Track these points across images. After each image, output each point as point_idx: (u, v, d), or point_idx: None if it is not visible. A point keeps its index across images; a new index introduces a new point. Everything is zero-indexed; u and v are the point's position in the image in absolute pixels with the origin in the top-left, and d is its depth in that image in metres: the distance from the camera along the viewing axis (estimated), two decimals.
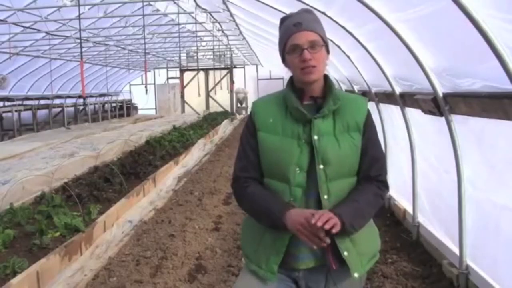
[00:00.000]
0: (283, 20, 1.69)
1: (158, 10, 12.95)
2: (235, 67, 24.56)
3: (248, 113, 1.81)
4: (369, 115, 1.70)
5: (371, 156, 1.69)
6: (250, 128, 1.74)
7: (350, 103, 1.70)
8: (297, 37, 1.60)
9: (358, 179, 1.70)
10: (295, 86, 1.69)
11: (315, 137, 1.62)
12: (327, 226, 1.48)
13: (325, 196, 1.62)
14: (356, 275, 1.63)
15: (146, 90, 11.29)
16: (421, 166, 4.22)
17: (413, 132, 4.28)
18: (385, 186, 1.72)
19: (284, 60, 1.69)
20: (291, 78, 1.71)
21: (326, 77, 1.70)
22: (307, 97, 1.68)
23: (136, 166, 7.86)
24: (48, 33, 11.96)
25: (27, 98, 16.22)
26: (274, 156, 1.66)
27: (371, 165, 1.69)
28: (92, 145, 10.74)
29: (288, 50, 1.63)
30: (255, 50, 18.31)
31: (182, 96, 24.25)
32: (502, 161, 2.81)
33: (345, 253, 1.62)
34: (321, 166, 1.61)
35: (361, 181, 1.69)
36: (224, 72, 24.24)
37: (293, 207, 1.60)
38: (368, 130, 1.68)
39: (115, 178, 6.75)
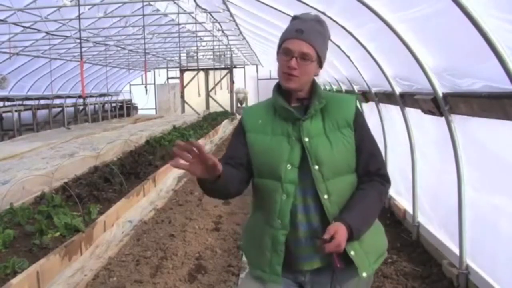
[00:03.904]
0: (292, 19, 1.69)
1: (158, 10, 12.95)
2: (235, 67, 24.56)
3: None
4: (358, 112, 1.70)
5: (367, 152, 1.68)
6: (239, 130, 1.76)
7: (337, 102, 1.70)
8: (292, 43, 1.61)
9: (358, 175, 1.69)
10: (283, 90, 1.70)
11: (306, 139, 1.63)
12: (331, 250, 1.51)
13: (325, 196, 1.61)
14: (364, 274, 1.62)
15: (146, 90, 11.30)
16: (421, 166, 4.22)
17: (413, 132, 4.28)
18: (386, 180, 1.72)
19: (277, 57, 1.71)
20: (277, 83, 1.72)
21: (312, 81, 1.71)
22: (294, 99, 1.69)
23: (136, 166, 7.87)
24: (48, 33, 11.95)
25: (27, 98, 16.21)
26: (265, 155, 1.67)
27: (369, 161, 1.68)
28: (92, 145, 10.74)
29: (281, 50, 1.65)
30: (255, 50, 18.31)
31: (182, 96, 24.25)
32: (502, 161, 2.81)
33: (352, 253, 1.61)
34: (316, 167, 1.61)
35: (362, 178, 1.69)
36: (224, 72, 24.24)
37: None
38: (359, 126, 1.68)
39: (115, 178, 6.75)
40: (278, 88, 1.71)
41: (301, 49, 1.60)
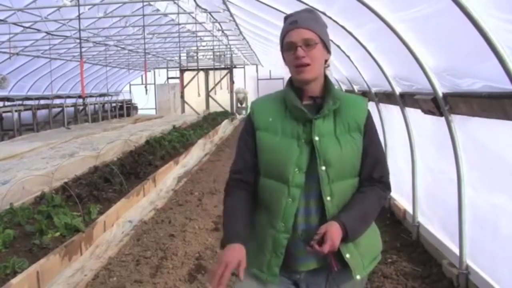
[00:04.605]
0: (284, 19, 1.70)
1: (158, 10, 12.95)
2: (235, 67, 24.56)
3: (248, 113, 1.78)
4: (369, 116, 1.69)
5: (373, 158, 1.68)
6: (249, 128, 1.73)
7: (350, 103, 1.69)
8: (292, 34, 1.61)
9: (360, 179, 1.68)
10: (295, 86, 1.68)
11: (316, 138, 1.61)
12: (325, 250, 1.52)
13: (328, 198, 1.61)
14: (358, 277, 1.62)
15: (146, 90, 11.28)
16: (421, 166, 4.22)
17: (413, 132, 4.28)
18: (387, 187, 1.72)
19: (284, 58, 1.69)
20: (290, 78, 1.71)
21: (325, 77, 1.69)
22: (306, 97, 1.67)
23: (136, 166, 7.87)
24: (48, 33, 11.95)
25: (27, 98, 16.21)
26: (273, 156, 1.65)
27: (373, 167, 1.68)
28: (92, 145, 10.74)
29: (284, 48, 1.64)
30: (255, 50, 18.30)
31: (182, 96, 24.25)
32: (502, 161, 2.81)
33: (347, 256, 1.61)
34: (323, 168, 1.60)
35: (364, 182, 1.68)
36: (224, 72, 24.24)
37: (237, 241, 1.58)
38: (369, 130, 1.67)
39: (115, 178, 6.75)
40: (291, 85, 1.69)
41: (302, 36, 1.59)
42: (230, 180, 1.77)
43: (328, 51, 1.67)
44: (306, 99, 1.67)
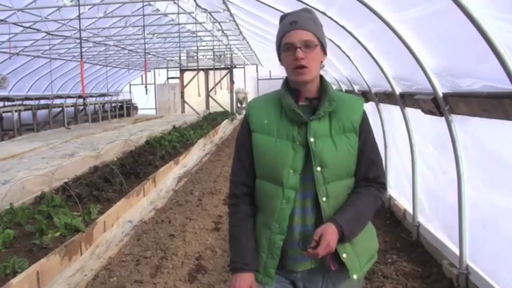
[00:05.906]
0: (282, 18, 1.69)
1: (158, 10, 12.95)
2: (235, 67, 24.57)
3: None
4: (365, 116, 1.69)
5: (369, 158, 1.68)
6: (245, 130, 1.73)
7: (345, 104, 1.68)
8: (291, 35, 1.60)
9: (356, 180, 1.69)
10: (291, 87, 1.68)
11: (312, 140, 1.61)
12: (323, 253, 1.53)
13: (324, 198, 1.61)
14: (355, 277, 1.63)
15: (146, 90, 11.29)
16: (421, 166, 4.22)
17: (413, 132, 4.28)
18: (383, 187, 1.72)
19: (280, 59, 1.68)
20: (286, 79, 1.70)
21: (321, 78, 1.69)
22: (302, 98, 1.67)
23: (136, 166, 7.87)
24: (48, 33, 11.95)
25: (27, 98, 16.21)
26: (268, 158, 1.66)
27: (369, 167, 1.68)
28: (92, 145, 10.74)
29: (282, 48, 1.63)
30: (255, 50, 18.31)
31: (182, 96, 24.27)
32: (502, 161, 2.81)
33: (344, 255, 1.62)
34: (318, 169, 1.60)
35: (360, 183, 1.69)
36: (224, 72, 24.25)
37: (247, 270, 1.65)
38: (364, 131, 1.67)
39: (115, 178, 6.75)
40: (287, 85, 1.69)
41: (301, 38, 1.58)
42: (232, 195, 1.77)
43: (325, 53, 1.67)
44: (303, 100, 1.67)
